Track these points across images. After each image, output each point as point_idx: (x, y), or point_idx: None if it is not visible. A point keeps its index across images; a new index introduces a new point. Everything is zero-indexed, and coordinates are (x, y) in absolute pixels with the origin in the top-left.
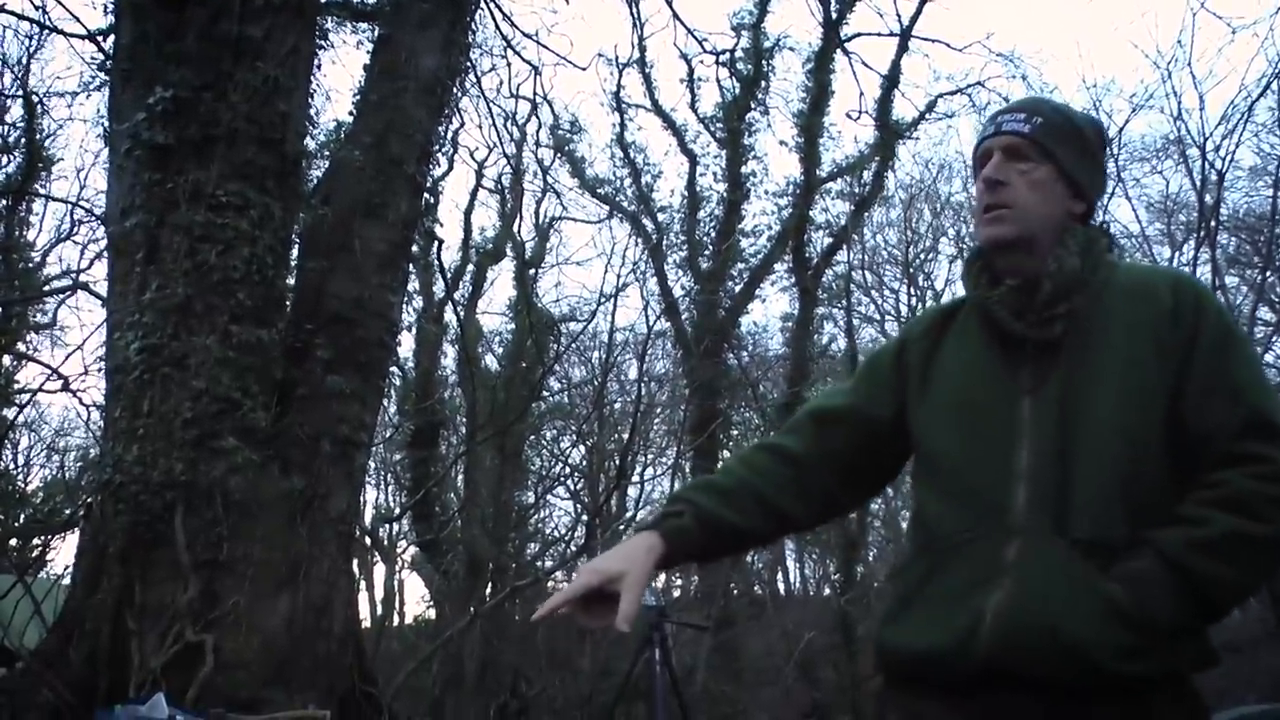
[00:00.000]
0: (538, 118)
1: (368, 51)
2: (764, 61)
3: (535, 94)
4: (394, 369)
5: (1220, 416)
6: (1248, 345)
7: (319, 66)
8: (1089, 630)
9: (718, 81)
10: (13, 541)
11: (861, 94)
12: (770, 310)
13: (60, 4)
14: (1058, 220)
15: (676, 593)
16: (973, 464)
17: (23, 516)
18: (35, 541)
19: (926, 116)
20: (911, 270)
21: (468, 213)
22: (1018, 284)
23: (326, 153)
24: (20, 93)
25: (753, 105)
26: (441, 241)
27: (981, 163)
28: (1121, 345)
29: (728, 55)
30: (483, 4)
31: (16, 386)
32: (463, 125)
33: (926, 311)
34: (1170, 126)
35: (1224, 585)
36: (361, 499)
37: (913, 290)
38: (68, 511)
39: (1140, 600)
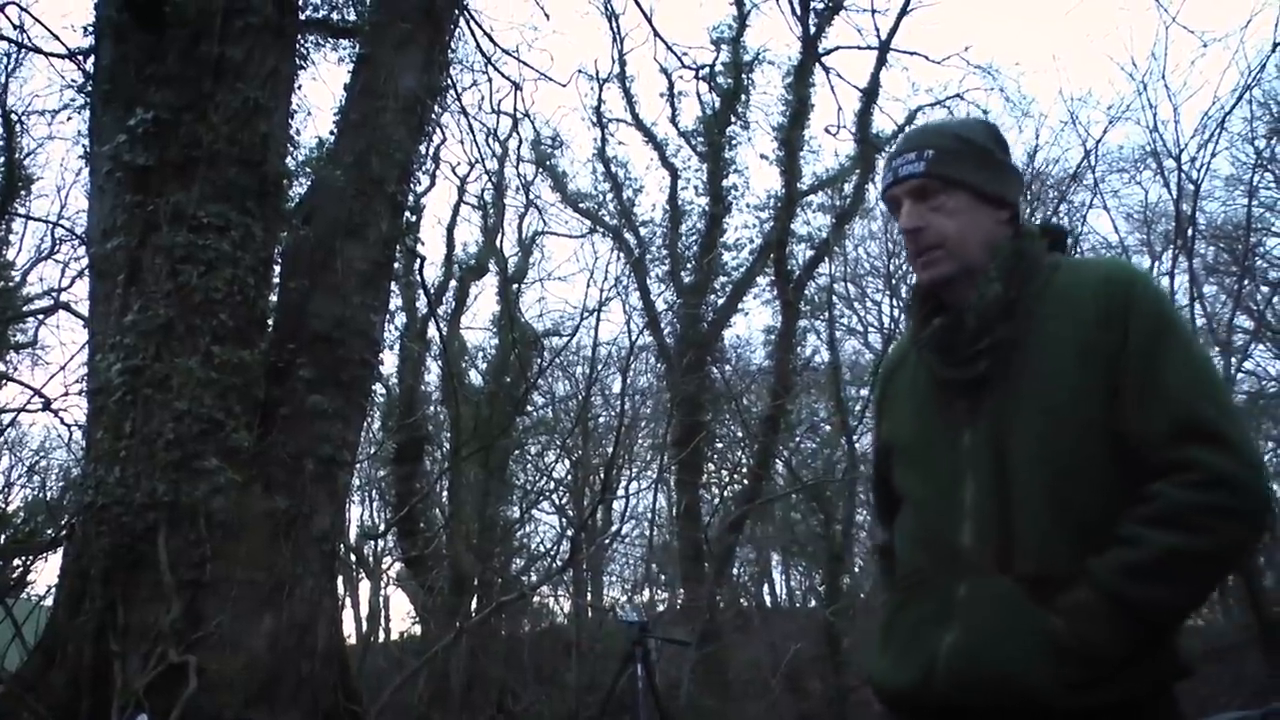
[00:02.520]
0: (519, 133)
1: (349, 70)
2: (743, 75)
3: (516, 110)
4: (377, 386)
5: (1152, 422)
6: (1183, 340)
7: (299, 86)
8: (1034, 667)
9: (698, 96)
10: None
11: (840, 109)
12: (753, 323)
13: (39, 22)
14: (988, 238)
15: (661, 607)
16: (928, 503)
17: (3, 537)
18: (16, 562)
19: (906, 129)
20: (894, 282)
21: (450, 228)
22: (944, 321)
23: (308, 170)
24: None
25: (733, 119)
26: (424, 259)
27: (892, 205)
28: (1050, 366)
29: (707, 69)
30: (462, 22)
31: None
32: (444, 141)
33: (890, 353)
34: (1147, 138)
35: (1162, 607)
36: (346, 516)
37: (895, 302)
38: (49, 532)
39: (1081, 633)
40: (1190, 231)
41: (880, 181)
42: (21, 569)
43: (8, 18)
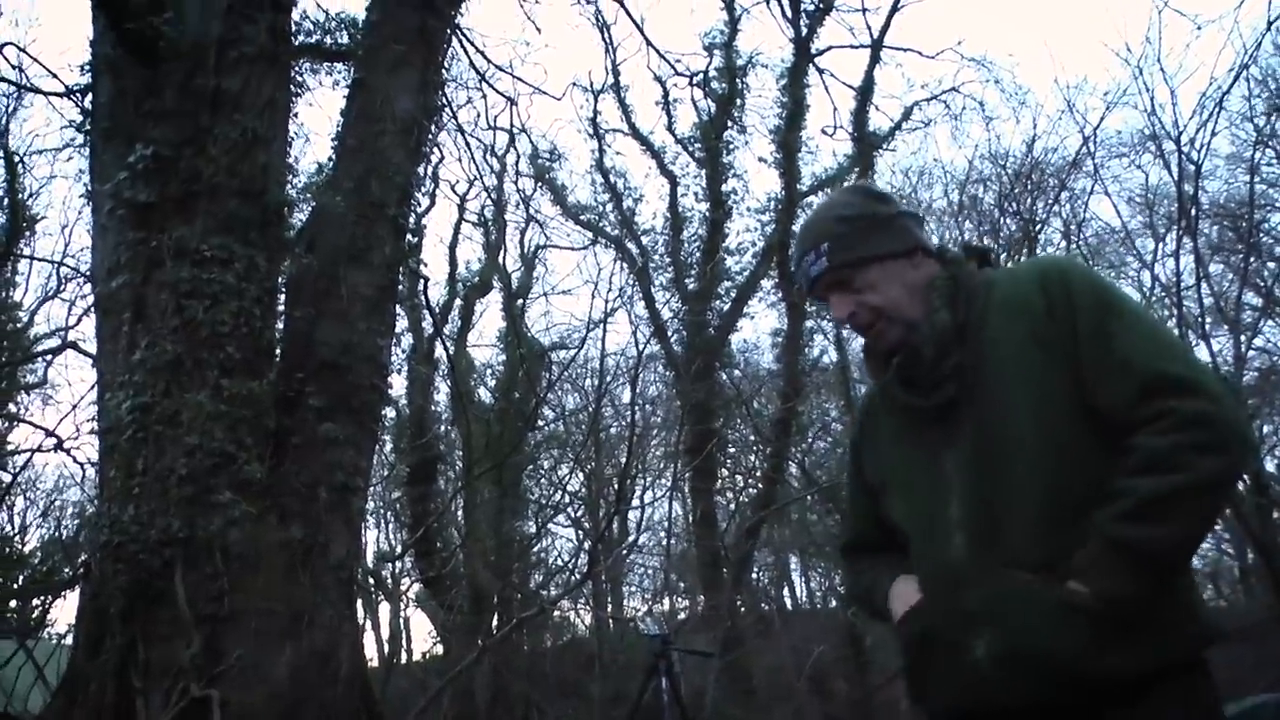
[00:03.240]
0: (516, 148)
1: (344, 95)
2: (738, 80)
3: (512, 125)
4: (387, 409)
5: (1119, 393)
6: (1128, 309)
7: (295, 114)
8: (1068, 641)
9: (693, 102)
10: (12, 603)
11: (835, 109)
12: (759, 326)
13: (37, 61)
14: (914, 286)
15: (682, 615)
16: (920, 529)
17: (21, 578)
18: (35, 602)
19: (903, 125)
20: None
21: (452, 247)
22: (902, 359)
23: (308, 196)
24: (1, 154)
25: (729, 124)
26: (427, 280)
27: (822, 301)
28: (1013, 370)
29: (701, 76)
30: (455, 41)
31: (9, 448)
32: (442, 160)
33: (861, 402)
34: (1145, 122)
35: (1167, 543)
36: (362, 541)
37: None
38: (66, 571)
39: (1098, 589)
40: (1193, 212)
41: (801, 286)
42: (41, 609)
43: (6, 59)
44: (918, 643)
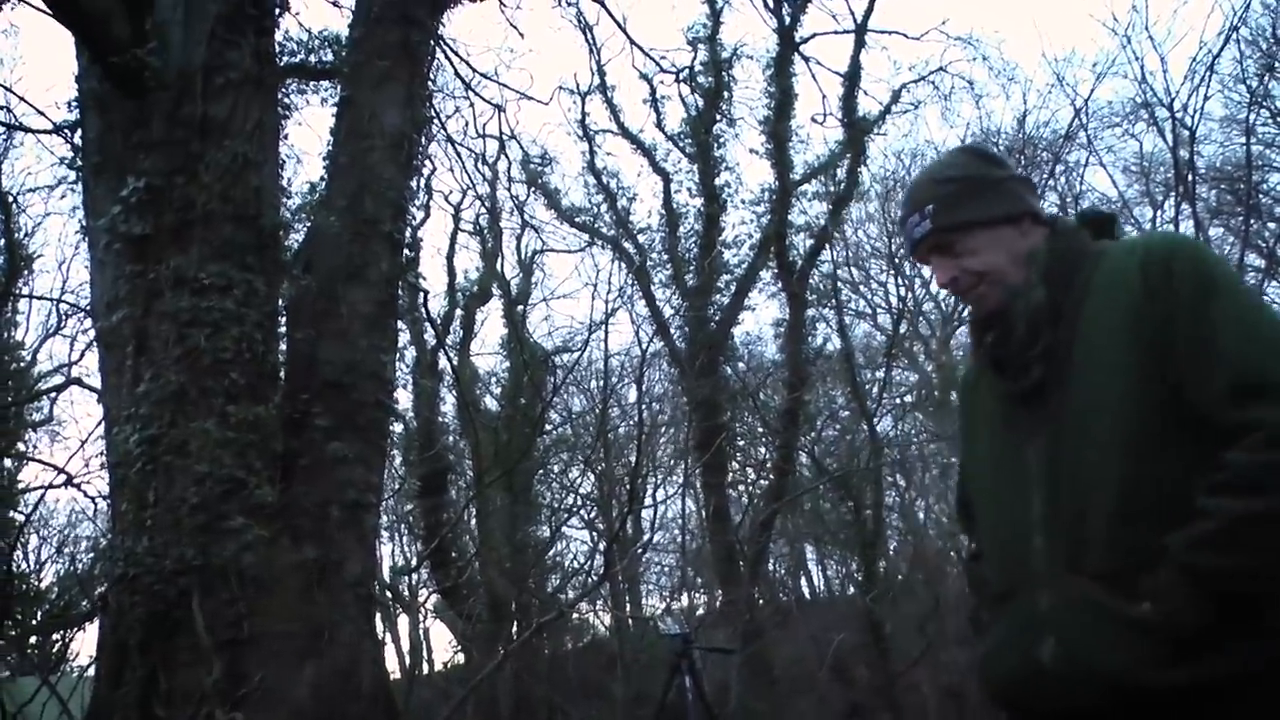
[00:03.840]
0: (507, 155)
1: (332, 111)
2: (723, 73)
3: (502, 132)
4: (395, 425)
5: (1210, 390)
6: (1235, 297)
7: (285, 135)
8: (1132, 656)
9: (680, 98)
10: (32, 640)
11: (824, 97)
12: (761, 318)
13: (23, 100)
14: (1020, 253)
15: (701, 610)
16: (999, 521)
17: (39, 614)
18: (54, 637)
19: (892, 109)
20: (897, 261)
21: (449, 257)
22: (995, 336)
23: (303, 215)
24: None
25: (718, 117)
26: (427, 293)
27: (926, 264)
28: (1105, 358)
29: (687, 71)
30: (439, 52)
31: (19, 486)
32: (434, 171)
33: (964, 373)
34: (1136, 90)
35: (1244, 573)
36: (377, 556)
37: (900, 280)
38: (84, 604)
39: (1167, 613)
40: (1190, 177)
41: (904, 247)
42: (60, 644)
43: None
44: (992, 635)
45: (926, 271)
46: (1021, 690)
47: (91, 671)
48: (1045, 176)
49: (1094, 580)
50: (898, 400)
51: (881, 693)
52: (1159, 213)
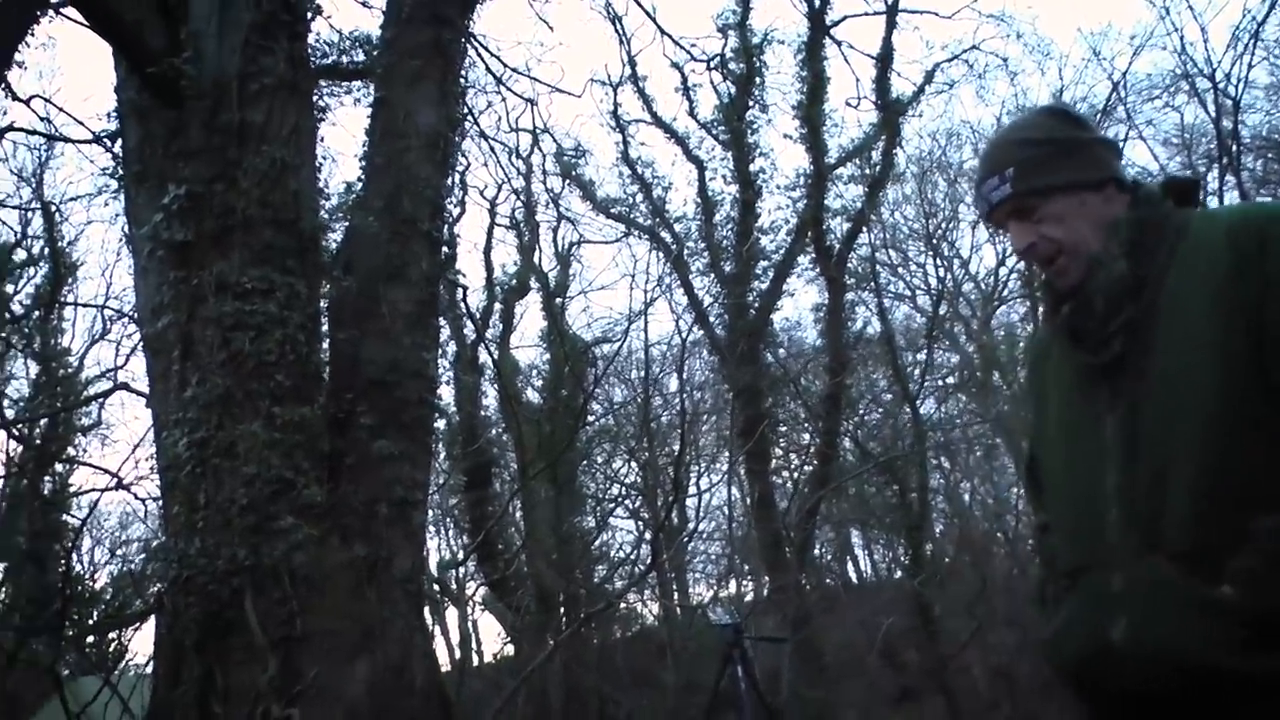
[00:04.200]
0: (540, 149)
1: (367, 110)
2: (755, 59)
3: (535, 126)
4: (438, 420)
5: None
6: None
7: (322, 139)
8: (1209, 640)
9: (713, 85)
10: (89, 639)
11: (858, 80)
12: (800, 303)
13: (63, 111)
14: (1102, 221)
15: (749, 597)
16: (1072, 493)
17: (95, 614)
18: (110, 636)
19: (926, 89)
20: (935, 242)
21: (487, 252)
22: (1073, 307)
23: (340, 216)
24: (38, 204)
25: (751, 104)
26: (466, 288)
27: (1001, 229)
28: (1188, 334)
29: (718, 58)
30: (470, 48)
31: (71, 489)
32: (469, 167)
33: (1033, 342)
34: (1176, 61)
35: None
36: (425, 551)
37: (939, 261)
38: (138, 603)
39: (1252, 596)
40: (1234, 147)
41: (978, 210)
42: (117, 642)
43: (34, 111)
44: (1061, 611)
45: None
46: (1090, 669)
47: (149, 670)
48: None
49: (1171, 559)
50: (940, 382)
51: (932, 676)
52: (1202, 184)
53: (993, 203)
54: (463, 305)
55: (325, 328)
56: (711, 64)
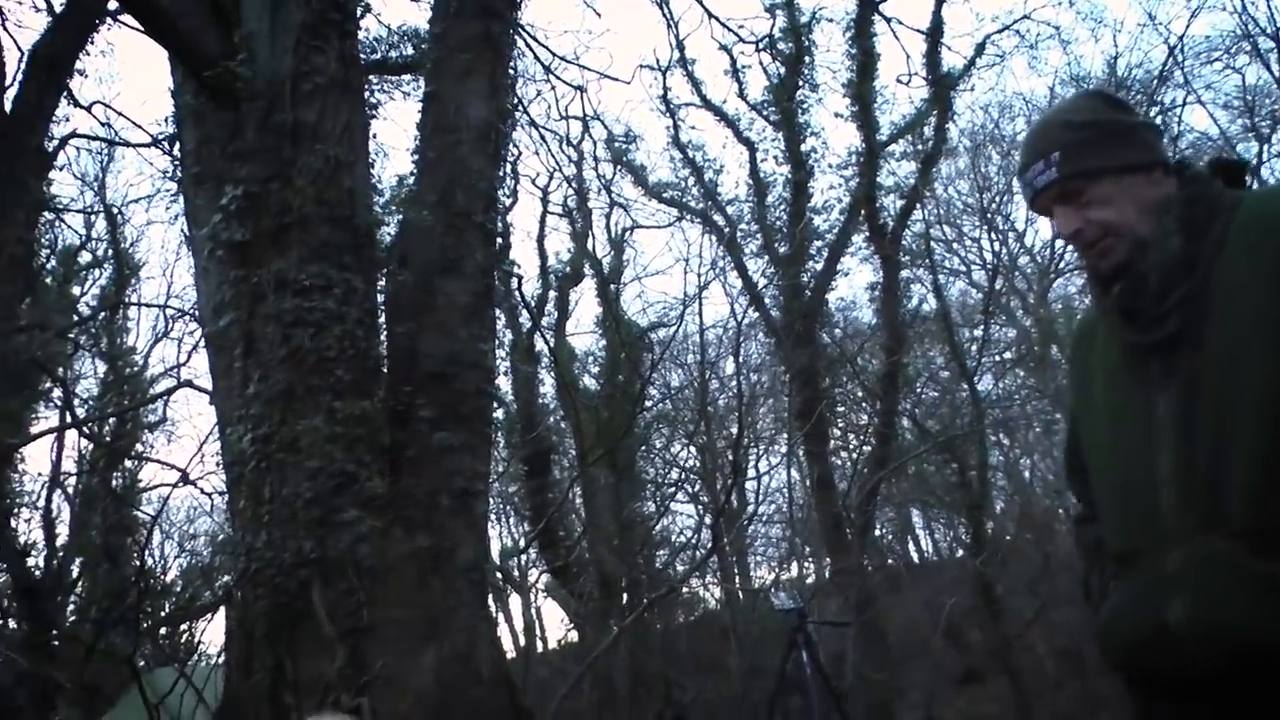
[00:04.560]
0: (591, 136)
1: (416, 105)
2: (803, 38)
3: (584, 113)
4: (497, 410)
5: None
6: None
7: (374, 135)
8: (1266, 618)
9: (762, 66)
10: (162, 630)
11: (908, 57)
12: (855, 283)
13: (122, 115)
14: (1149, 204)
15: (810, 579)
16: (1121, 475)
17: (168, 606)
18: (182, 627)
19: (977, 62)
20: (989, 216)
21: (540, 240)
22: (1126, 285)
23: (393, 209)
24: (101, 208)
25: (800, 83)
26: (521, 277)
27: (1046, 214)
28: (1245, 311)
29: (767, 39)
30: (518, 39)
31: (140, 485)
32: (520, 156)
33: (1077, 324)
34: (1236, 22)
35: None
36: (488, 540)
37: (994, 236)
38: (207, 594)
39: None
40: None
41: (1023, 196)
42: (189, 633)
43: (95, 117)
44: (1113, 598)
45: (1044, 222)
46: (1146, 654)
47: (222, 661)
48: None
49: (1232, 538)
50: (997, 358)
51: (996, 655)
52: (1266, 146)
53: (1038, 188)
54: (518, 294)
55: (383, 322)
56: (760, 45)
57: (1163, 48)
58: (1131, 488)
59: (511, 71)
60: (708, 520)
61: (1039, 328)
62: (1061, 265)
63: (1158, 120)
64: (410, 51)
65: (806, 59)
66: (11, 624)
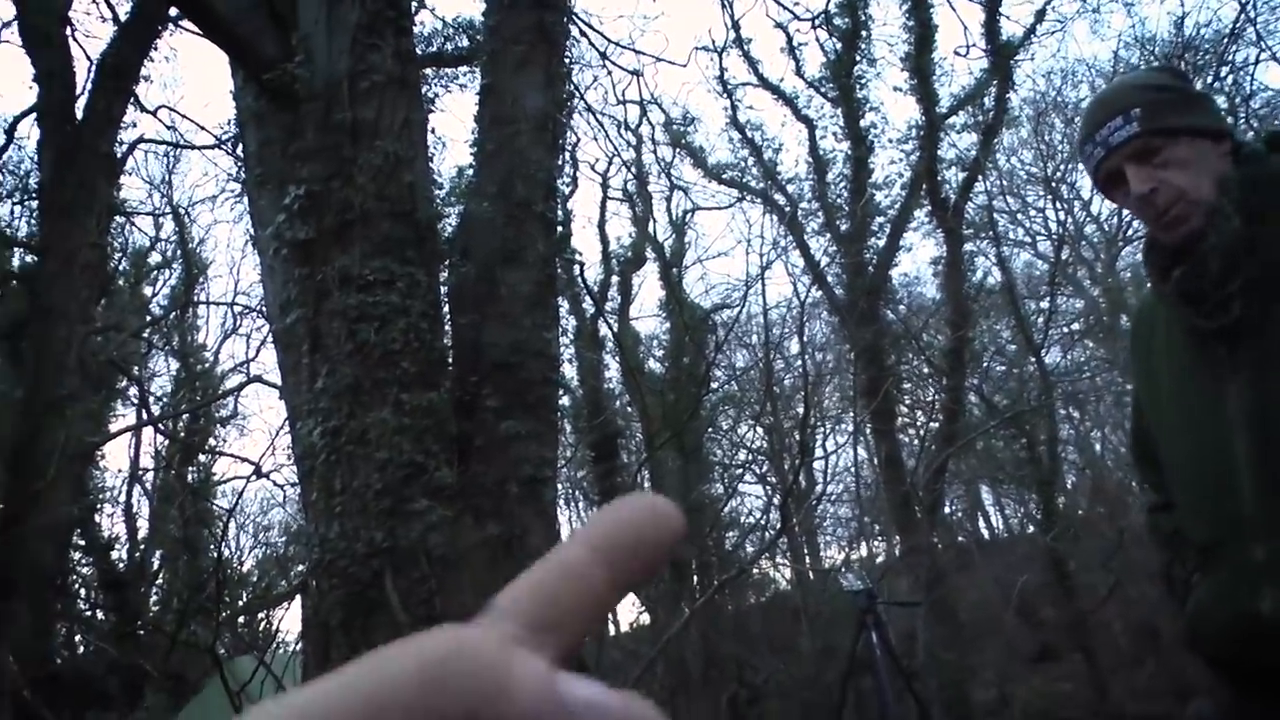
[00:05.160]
0: (649, 119)
1: (472, 94)
2: (859, 13)
3: (641, 97)
4: (563, 397)
5: None
6: None
7: (433, 130)
8: None
9: (818, 43)
10: (241, 620)
11: (965, 27)
12: (918, 258)
13: (186, 118)
14: (1219, 176)
15: (880, 558)
16: (1197, 466)
17: (245, 596)
18: (260, 617)
19: (1037, 29)
20: (1054, 185)
21: (601, 225)
22: (1186, 269)
23: (453, 200)
24: (168, 209)
25: (858, 58)
26: (583, 264)
27: (1108, 183)
28: None
29: (822, 15)
30: (573, 27)
31: (215, 479)
32: (578, 142)
33: (1137, 309)
34: None
35: None
36: (557, 525)
37: (1059, 205)
38: (283, 583)
39: None
40: None
41: (1086, 166)
42: (266, 622)
43: (161, 121)
44: (1199, 590)
45: (1096, 196)
46: (1240, 646)
47: (299, 649)
48: (1210, 80)
49: None
50: (1065, 329)
51: (1071, 633)
52: None
53: (1113, 145)
54: (580, 281)
55: (446, 314)
56: (816, 21)
57: (1233, 4)
58: (1208, 478)
59: (567, 60)
60: (776, 501)
61: (1108, 297)
62: (1130, 233)
63: (1229, 80)
64: (465, 43)
65: (863, 33)
66: (99, 615)
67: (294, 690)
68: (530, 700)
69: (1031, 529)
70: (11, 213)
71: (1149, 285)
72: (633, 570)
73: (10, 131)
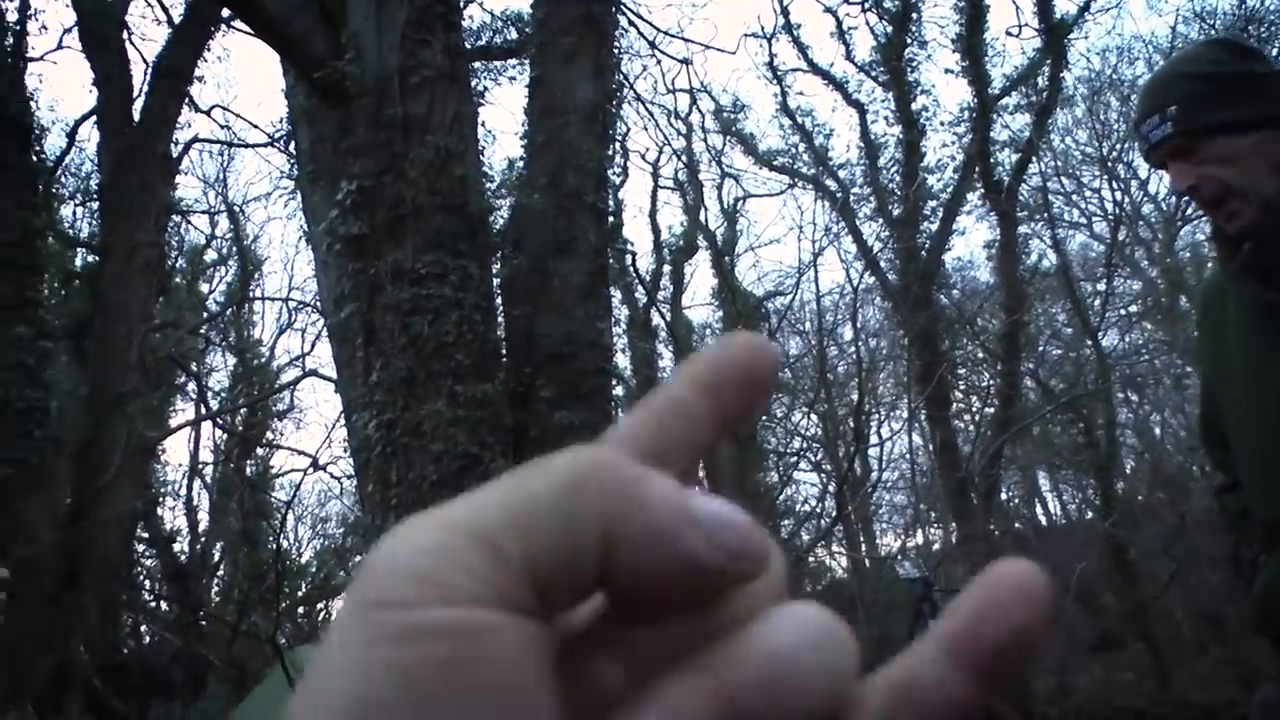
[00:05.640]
0: (698, 108)
1: (524, 88)
2: None
3: (691, 85)
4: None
5: None
6: None
7: (482, 123)
8: None
9: (868, 26)
10: (300, 610)
11: (1017, 7)
12: (972, 241)
13: (240, 117)
14: (1275, 160)
15: (936, 545)
16: (1268, 444)
17: (304, 586)
18: (319, 607)
19: (1091, 5)
20: (1110, 165)
21: (652, 215)
22: (1256, 244)
23: (504, 192)
24: (223, 207)
25: (909, 41)
26: (635, 253)
27: (1162, 168)
28: None
29: None
30: (621, 18)
31: (273, 472)
32: (628, 132)
33: (1203, 285)
34: None
35: None
36: None
37: (1115, 185)
38: (341, 574)
39: None
40: None
41: (1138, 149)
42: (325, 612)
43: (215, 120)
44: (1269, 569)
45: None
46: None
47: None
48: (1275, 54)
49: None
50: (1122, 312)
51: (1132, 620)
52: None
53: (1152, 142)
54: (632, 271)
55: (499, 305)
56: (866, 4)
57: None
58: (1278, 454)
59: (616, 50)
60: (831, 488)
61: (1166, 278)
62: (1189, 212)
63: None
64: (514, 36)
65: (914, 15)
66: (163, 606)
67: (448, 502)
68: (663, 510)
69: (1090, 515)
70: (74, 214)
71: (1215, 263)
72: (734, 404)
73: (72, 135)
